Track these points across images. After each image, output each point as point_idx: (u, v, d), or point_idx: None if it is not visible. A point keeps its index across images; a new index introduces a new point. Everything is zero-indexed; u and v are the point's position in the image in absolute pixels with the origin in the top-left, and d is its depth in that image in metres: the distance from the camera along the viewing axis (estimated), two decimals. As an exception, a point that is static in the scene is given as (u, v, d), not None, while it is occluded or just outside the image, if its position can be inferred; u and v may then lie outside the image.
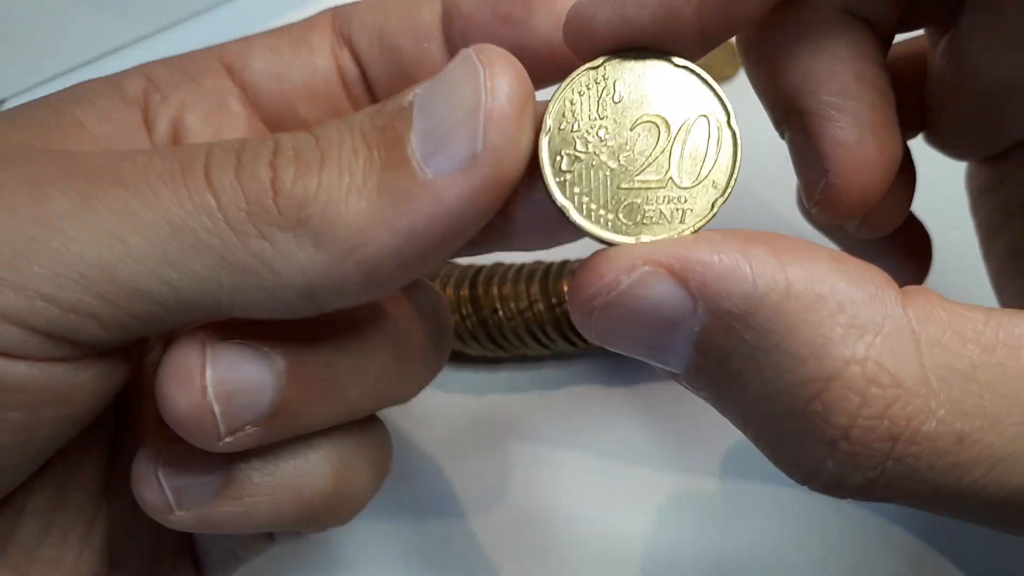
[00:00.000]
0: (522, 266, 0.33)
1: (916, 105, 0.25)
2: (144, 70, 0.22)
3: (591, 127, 0.18)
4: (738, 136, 0.18)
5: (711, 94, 0.18)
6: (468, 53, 0.17)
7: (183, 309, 0.17)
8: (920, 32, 0.25)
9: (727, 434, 0.31)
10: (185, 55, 0.22)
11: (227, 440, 0.18)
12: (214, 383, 0.18)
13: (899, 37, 0.24)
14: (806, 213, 0.25)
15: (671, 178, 0.18)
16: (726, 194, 0.18)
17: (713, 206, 0.18)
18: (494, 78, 0.16)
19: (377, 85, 0.22)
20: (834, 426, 0.16)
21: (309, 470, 0.20)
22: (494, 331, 0.32)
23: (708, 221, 0.18)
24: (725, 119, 0.18)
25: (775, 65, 0.22)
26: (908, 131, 0.26)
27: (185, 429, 0.18)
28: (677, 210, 0.18)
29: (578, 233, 0.18)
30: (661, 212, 0.18)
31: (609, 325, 0.17)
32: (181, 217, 0.16)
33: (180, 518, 0.19)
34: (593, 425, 0.32)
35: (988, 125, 0.24)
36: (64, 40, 0.43)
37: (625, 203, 0.18)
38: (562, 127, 0.18)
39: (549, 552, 0.30)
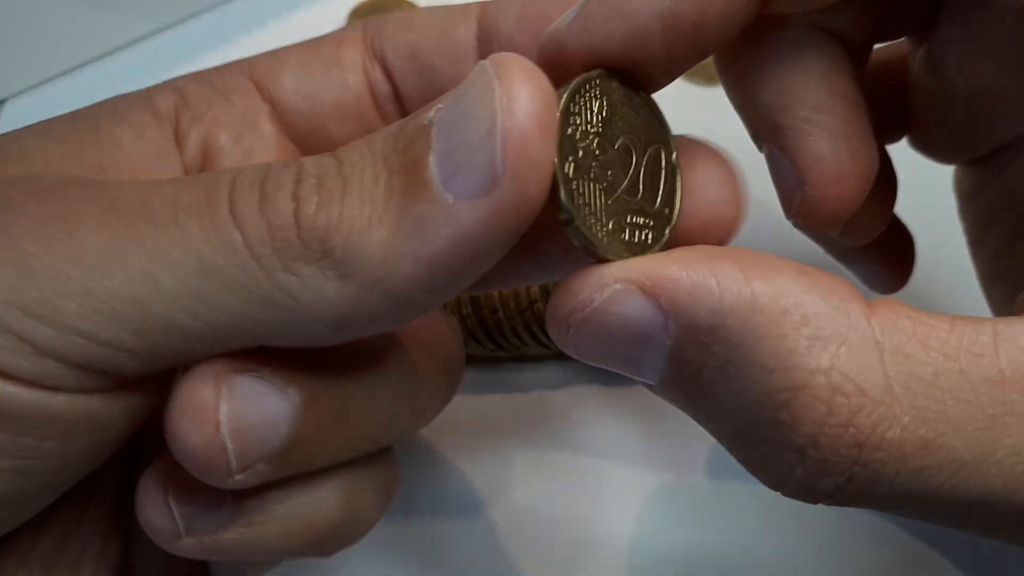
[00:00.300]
0: (522, 266, 0.33)
1: (900, 109, 0.25)
2: (175, 85, 0.22)
3: (588, 139, 0.18)
4: (678, 170, 0.19)
5: (661, 127, 0.19)
6: (484, 66, 0.16)
7: (218, 341, 0.17)
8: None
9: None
10: (214, 70, 0.22)
11: (237, 478, 0.18)
12: (228, 418, 0.17)
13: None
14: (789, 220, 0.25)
15: (642, 199, 0.19)
16: (673, 223, 0.19)
17: (669, 232, 0.19)
18: (511, 94, 0.16)
19: (410, 102, 0.22)
20: (802, 434, 0.16)
21: (320, 499, 0.20)
22: (494, 331, 0.32)
23: (667, 244, 0.19)
24: (672, 154, 0.19)
25: (750, 82, 0.22)
26: (892, 135, 0.26)
27: (196, 465, 0.18)
28: (649, 230, 0.19)
29: (575, 246, 0.18)
30: (638, 231, 0.18)
31: (584, 341, 0.18)
32: (209, 254, 0.16)
33: (187, 545, 0.19)
34: (593, 425, 0.32)
35: (969, 130, 0.24)
36: (64, 40, 0.43)
37: (612, 219, 0.18)
38: (568, 132, 0.18)
39: (549, 551, 0.30)
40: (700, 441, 0.31)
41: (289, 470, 0.19)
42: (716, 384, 0.17)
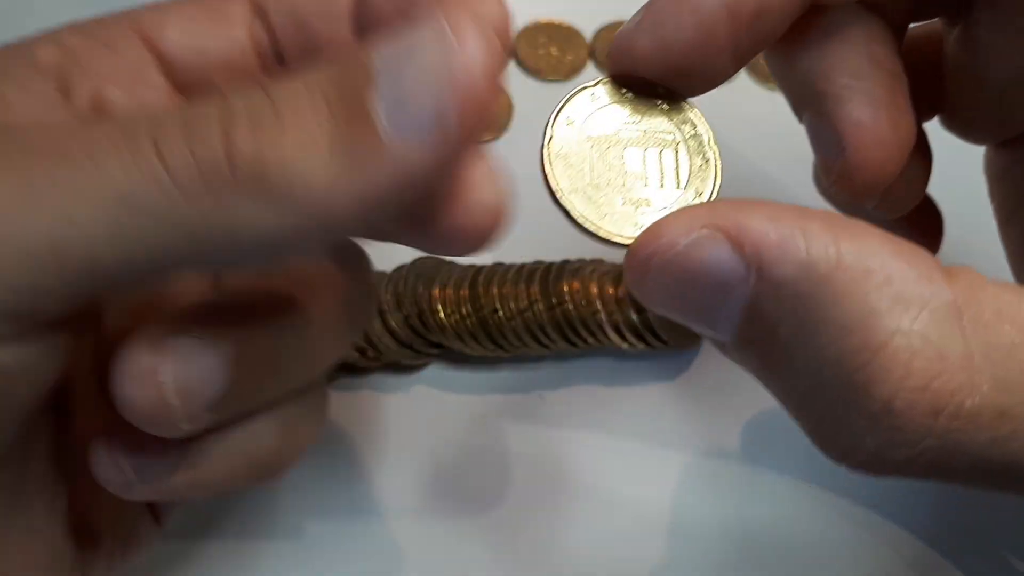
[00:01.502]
0: (522, 266, 0.33)
1: (932, 89, 0.26)
2: (56, 38, 0.21)
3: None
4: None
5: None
6: (434, 12, 0.17)
7: (136, 276, 0.17)
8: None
9: (726, 434, 0.32)
10: (97, 21, 0.22)
11: (184, 427, 0.19)
12: (171, 379, 0.18)
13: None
14: (825, 193, 0.25)
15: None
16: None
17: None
18: (463, 41, 0.16)
19: (291, 59, 0.22)
20: (877, 398, 0.16)
21: (259, 434, 0.21)
22: (494, 331, 0.32)
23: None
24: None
25: (792, 50, 0.22)
26: (924, 114, 0.26)
27: (146, 424, 0.19)
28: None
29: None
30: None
31: (662, 284, 0.18)
32: (128, 187, 0.16)
33: (139, 492, 0.20)
34: (593, 425, 0.32)
35: (1002, 111, 0.24)
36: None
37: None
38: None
39: (549, 552, 0.30)
40: (702, 442, 0.31)
41: (230, 414, 0.20)
42: (791, 342, 0.17)
